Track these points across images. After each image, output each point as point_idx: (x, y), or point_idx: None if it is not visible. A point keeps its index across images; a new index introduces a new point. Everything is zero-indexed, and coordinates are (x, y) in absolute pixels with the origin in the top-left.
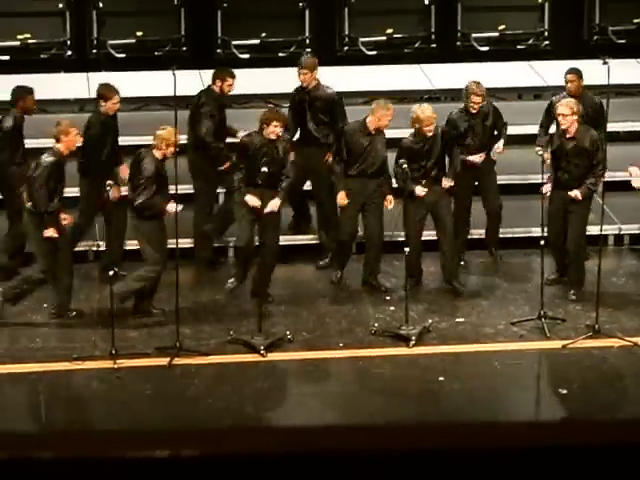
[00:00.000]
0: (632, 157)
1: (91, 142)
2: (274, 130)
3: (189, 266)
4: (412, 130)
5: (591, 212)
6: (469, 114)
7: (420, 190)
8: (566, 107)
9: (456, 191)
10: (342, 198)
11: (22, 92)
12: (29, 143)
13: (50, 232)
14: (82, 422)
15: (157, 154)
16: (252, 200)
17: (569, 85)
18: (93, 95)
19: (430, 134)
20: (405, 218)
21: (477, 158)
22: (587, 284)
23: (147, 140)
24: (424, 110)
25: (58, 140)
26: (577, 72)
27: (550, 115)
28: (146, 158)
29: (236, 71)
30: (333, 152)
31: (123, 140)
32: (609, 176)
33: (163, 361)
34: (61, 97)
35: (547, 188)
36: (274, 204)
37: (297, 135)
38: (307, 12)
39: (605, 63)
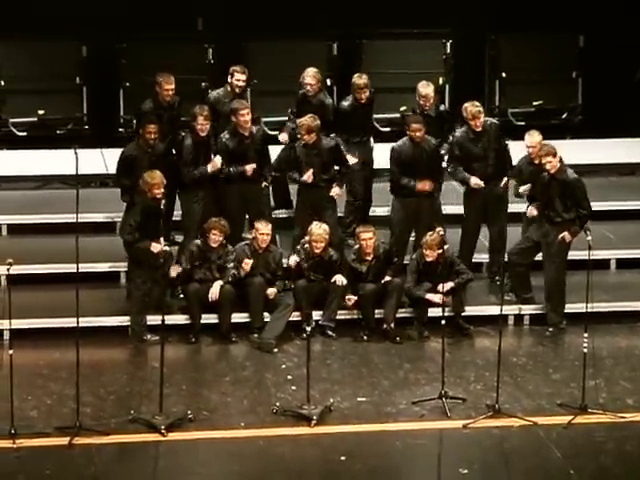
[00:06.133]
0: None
1: None
2: None
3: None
4: None
5: (491, 294)
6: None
7: None
8: None
9: None
10: None
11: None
12: None
13: None
14: None
15: None
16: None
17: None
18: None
19: None
20: None
21: None
22: (488, 364)
23: (48, 218)
24: None
25: None
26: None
27: None
28: None
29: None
30: None
31: (22, 219)
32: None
33: (63, 440)
34: None
35: None
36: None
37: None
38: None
39: None
